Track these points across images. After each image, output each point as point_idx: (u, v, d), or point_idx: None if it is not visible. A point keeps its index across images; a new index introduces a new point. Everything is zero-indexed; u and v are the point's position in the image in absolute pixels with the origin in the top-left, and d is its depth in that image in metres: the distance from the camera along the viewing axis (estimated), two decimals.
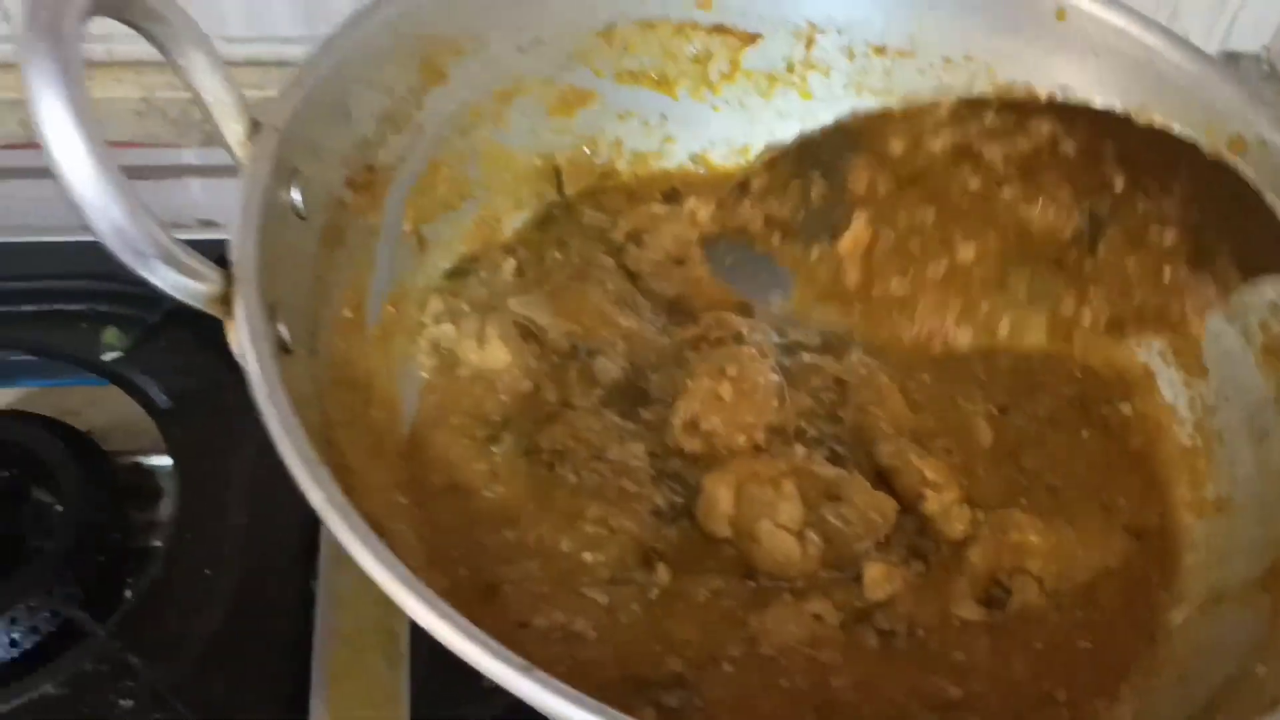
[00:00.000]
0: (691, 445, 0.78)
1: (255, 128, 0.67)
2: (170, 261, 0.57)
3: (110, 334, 0.95)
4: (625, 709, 0.50)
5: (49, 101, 0.52)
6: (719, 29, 0.94)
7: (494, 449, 0.80)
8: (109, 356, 0.94)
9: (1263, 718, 0.58)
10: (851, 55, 0.96)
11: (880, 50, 0.95)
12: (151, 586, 0.81)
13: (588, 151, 0.95)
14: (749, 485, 0.75)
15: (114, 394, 0.95)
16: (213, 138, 1.30)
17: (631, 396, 0.83)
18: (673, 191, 0.98)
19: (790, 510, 0.74)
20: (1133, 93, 0.86)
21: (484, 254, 0.89)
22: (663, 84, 0.96)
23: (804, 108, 0.98)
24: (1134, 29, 0.86)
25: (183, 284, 0.58)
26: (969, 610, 0.74)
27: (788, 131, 0.97)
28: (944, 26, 0.93)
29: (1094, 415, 0.87)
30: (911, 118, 0.76)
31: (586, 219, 0.93)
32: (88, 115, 0.53)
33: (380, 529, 0.61)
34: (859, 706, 0.69)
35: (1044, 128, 0.74)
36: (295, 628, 0.79)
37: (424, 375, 0.83)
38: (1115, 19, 0.86)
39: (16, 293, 0.97)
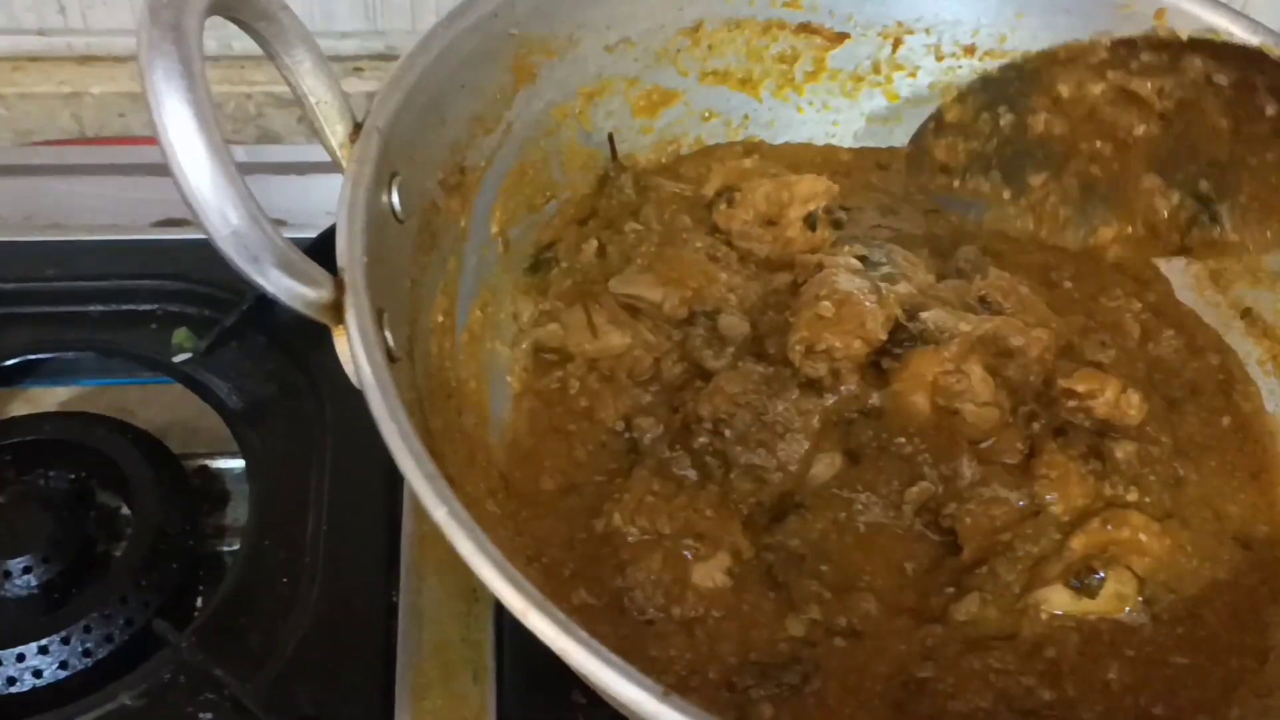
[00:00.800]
0: (817, 370, 0.76)
1: (357, 129, 0.66)
2: (285, 267, 0.55)
3: (181, 335, 0.93)
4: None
5: (172, 101, 0.50)
6: (805, 28, 0.93)
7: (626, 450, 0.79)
8: (180, 358, 0.92)
9: None
10: (940, 55, 0.94)
11: (970, 50, 0.93)
12: (229, 595, 0.79)
13: (670, 151, 0.94)
14: (940, 379, 0.75)
15: (177, 395, 0.94)
16: (267, 134, 1.30)
17: (759, 348, 0.81)
18: (755, 145, 0.97)
19: (985, 388, 0.75)
20: None
21: (559, 238, 0.87)
22: (747, 84, 0.94)
23: (890, 109, 0.96)
24: (1238, 30, 0.83)
25: (297, 290, 0.56)
26: (1057, 593, 0.72)
27: (872, 132, 0.96)
28: (1036, 27, 0.90)
29: (1233, 401, 0.85)
30: (1074, 58, 0.84)
31: (665, 190, 0.91)
32: (209, 116, 0.51)
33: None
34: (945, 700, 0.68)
35: (1196, 63, 0.80)
36: (378, 640, 0.77)
37: (510, 381, 0.81)
38: (1217, 20, 0.84)
39: (85, 292, 0.95)
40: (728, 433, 0.75)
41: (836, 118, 0.97)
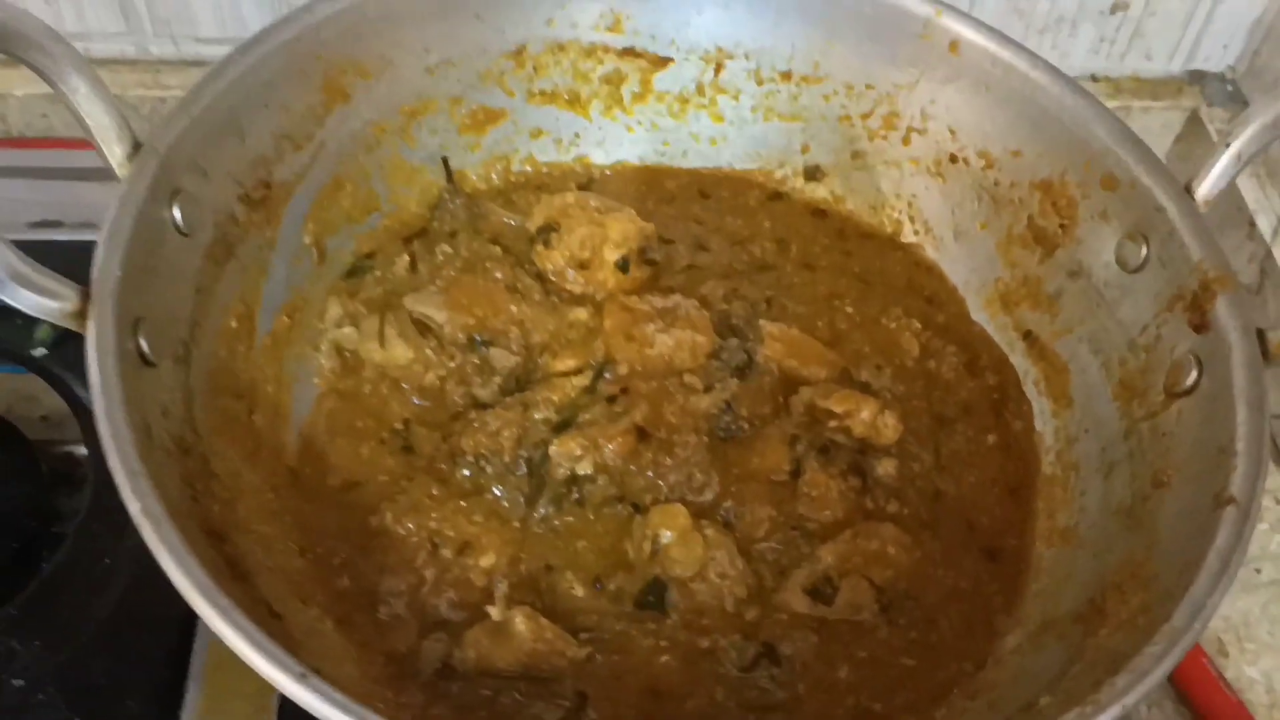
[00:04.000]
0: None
1: (136, 149, 0.71)
2: (22, 282, 0.61)
3: (44, 329, 0.99)
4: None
5: None
6: (630, 52, 0.97)
7: (401, 448, 0.84)
8: (38, 352, 0.98)
9: None
10: (760, 80, 0.98)
11: (787, 76, 0.98)
12: (54, 572, 0.86)
13: (499, 169, 0.98)
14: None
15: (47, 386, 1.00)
16: None
17: (527, 381, 0.87)
18: (589, 182, 1.01)
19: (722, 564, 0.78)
20: (1018, 127, 0.89)
21: (379, 250, 0.92)
22: (575, 104, 0.99)
23: (716, 130, 1.01)
24: (1021, 64, 0.88)
25: (38, 303, 0.62)
26: (798, 600, 0.77)
27: (700, 152, 1.01)
28: (847, 55, 0.95)
29: (1003, 419, 0.90)
30: None
31: (494, 217, 0.96)
32: None
33: (225, 534, 0.66)
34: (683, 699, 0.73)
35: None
36: (181, 619, 0.83)
37: (317, 382, 0.86)
38: (1003, 53, 0.88)
39: None
40: (488, 468, 0.81)
41: (666, 137, 1.01)
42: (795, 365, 0.87)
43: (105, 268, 0.66)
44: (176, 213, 0.73)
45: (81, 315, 0.64)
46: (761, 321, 0.89)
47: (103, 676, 0.80)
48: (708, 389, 0.85)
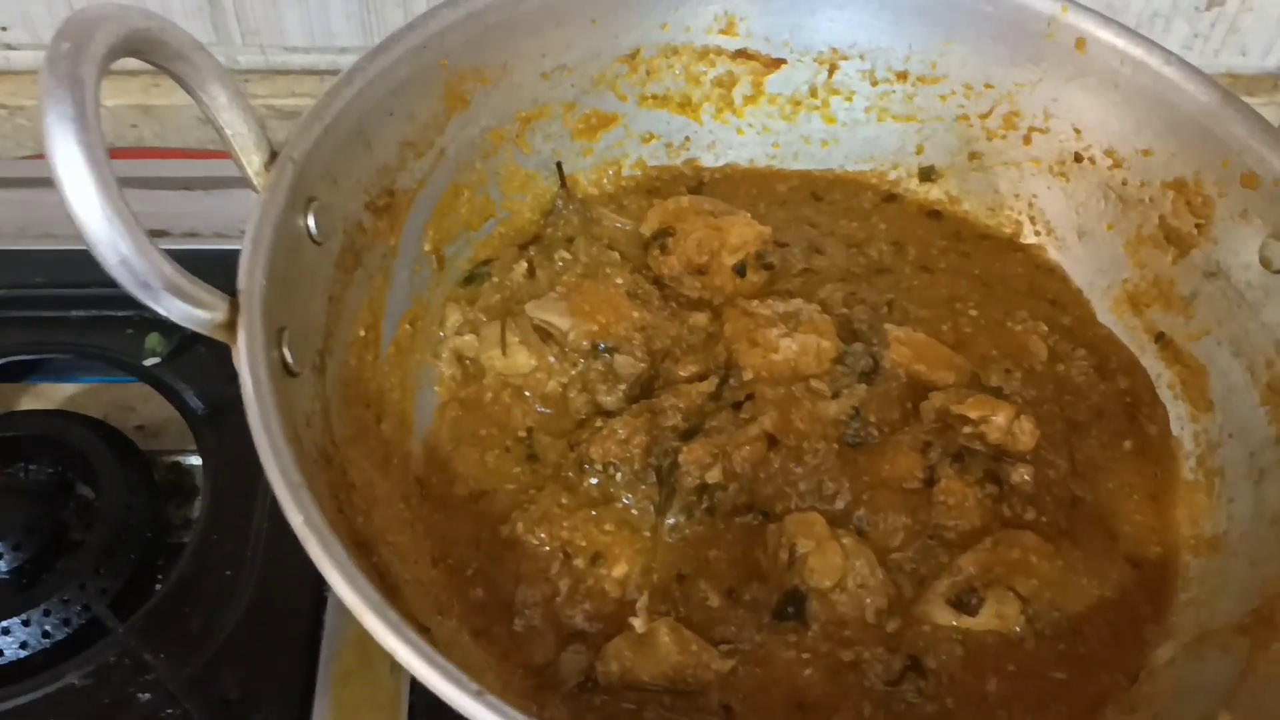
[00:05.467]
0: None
1: (273, 159, 0.71)
2: (176, 293, 0.60)
3: (154, 340, 0.99)
4: None
5: (64, 144, 0.56)
6: (743, 54, 0.96)
7: (527, 456, 0.83)
8: (150, 362, 0.98)
9: None
10: (874, 81, 0.97)
11: (903, 76, 0.96)
12: (176, 584, 0.85)
13: (611, 173, 0.97)
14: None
15: (153, 395, 1.00)
16: None
17: (650, 388, 0.86)
18: (699, 185, 1.00)
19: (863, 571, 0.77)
20: (1148, 125, 0.87)
21: (497, 255, 0.92)
22: (687, 107, 0.98)
23: (828, 132, 1.00)
24: (1153, 61, 0.86)
25: (189, 313, 0.62)
26: (941, 612, 0.75)
27: (811, 154, 0.99)
28: (967, 55, 0.94)
29: (1137, 423, 0.88)
30: None
31: (607, 223, 0.95)
32: (100, 157, 0.56)
33: (371, 546, 0.65)
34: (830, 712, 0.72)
35: None
36: (306, 631, 0.83)
37: (438, 390, 0.86)
38: (1135, 50, 0.87)
39: (68, 299, 1.02)
40: (618, 476, 0.80)
41: (776, 139, 1.00)
42: (923, 370, 0.85)
43: (251, 276, 0.65)
44: (311, 221, 0.72)
45: (231, 326, 0.63)
46: (887, 326, 0.87)
47: (233, 689, 0.79)
48: (835, 395, 0.84)
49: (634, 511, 0.80)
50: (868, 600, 0.75)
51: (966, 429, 0.81)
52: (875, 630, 0.75)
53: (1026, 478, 0.80)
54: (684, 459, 0.79)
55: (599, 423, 0.83)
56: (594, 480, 0.81)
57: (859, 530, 0.79)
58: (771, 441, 0.81)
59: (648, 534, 0.79)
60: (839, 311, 0.90)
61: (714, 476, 0.79)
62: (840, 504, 0.80)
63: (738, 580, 0.78)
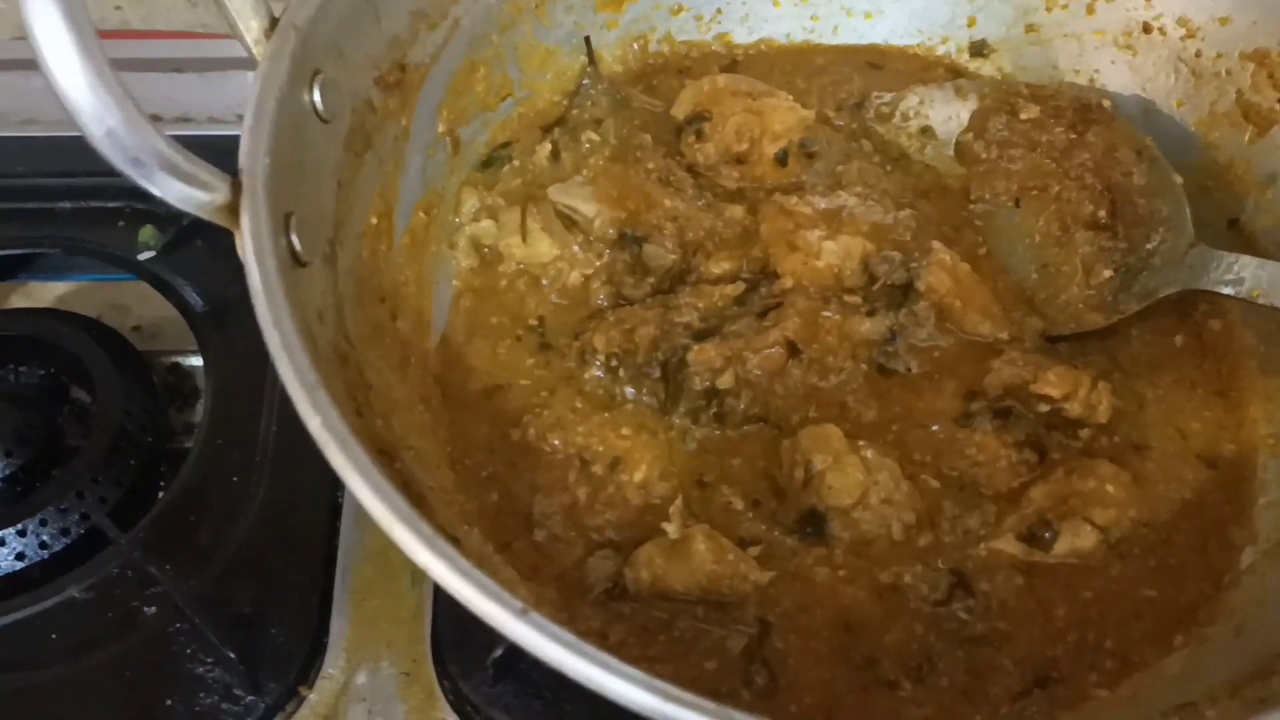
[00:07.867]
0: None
1: (273, 26, 0.63)
2: (171, 170, 0.54)
3: (147, 232, 0.93)
4: None
5: (41, 7, 0.49)
6: None
7: (539, 345, 0.78)
8: (144, 256, 0.92)
9: None
10: None
11: None
12: (180, 492, 0.80)
13: (636, 48, 0.90)
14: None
15: (150, 292, 0.94)
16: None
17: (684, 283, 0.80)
18: (733, 64, 0.93)
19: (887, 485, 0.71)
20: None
21: (517, 138, 0.85)
22: None
23: (871, 3, 0.93)
24: None
25: (187, 194, 0.55)
26: (1008, 544, 0.70)
27: (853, 28, 0.92)
28: None
29: (1190, 320, 0.82)
30: None
31: (636, 103, 0.88)
32: (80, 14, 0.49)
33: (393, 452, 0.60)
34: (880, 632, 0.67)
35: None
36: (321, 542, 0.78)
37: (455, 283, 0.80)
38: None
39: (54, 189, 0.95)
40: (621, 371, 0.74)
41: (815, 10, 0.93)
42: (957, 306, 0.78)
43: (254, 155, 0.58)
44: (317, 97, 0.65)
45: (234, 209, 0.56)
46: (935, 243, 0.80)
47: (245, 603, 0.74)
48: (870, 313, 0.77)
49: (633, 405, 0.74)
50: (894, 517, 0.70)
51: (1043, 407, 0.74)
52: (906, 547, 0.70)
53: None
54: (693, 358, 0.73)
55: (609, 313, 0.77)
56: (598, 373, 0.75)
57: None
58: (792, 351, 0.75)
59: (664, 438, 0.73)
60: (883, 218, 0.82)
61: (725, 382, 0.73)
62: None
63: (761, 493, 0.73)
